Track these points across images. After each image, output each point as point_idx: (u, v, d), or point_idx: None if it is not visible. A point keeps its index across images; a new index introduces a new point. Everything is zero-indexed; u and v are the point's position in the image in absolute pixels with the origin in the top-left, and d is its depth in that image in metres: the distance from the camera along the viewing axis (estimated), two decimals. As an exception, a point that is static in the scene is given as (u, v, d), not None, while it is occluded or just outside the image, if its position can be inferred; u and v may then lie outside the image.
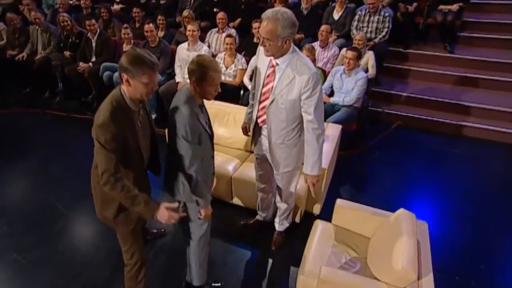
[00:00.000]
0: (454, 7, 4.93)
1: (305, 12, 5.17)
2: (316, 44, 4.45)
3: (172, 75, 4.59)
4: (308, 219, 2.92)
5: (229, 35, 4.26)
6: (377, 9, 4.72)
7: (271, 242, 2.78)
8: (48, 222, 3.01)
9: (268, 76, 2.18)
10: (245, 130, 2.69)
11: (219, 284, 2.49)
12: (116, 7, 6.31)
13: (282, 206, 2.67)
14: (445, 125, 4.45)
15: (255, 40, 4.86)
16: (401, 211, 2.19)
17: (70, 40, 5.18)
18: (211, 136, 2.06)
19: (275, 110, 2.18)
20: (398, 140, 4.34)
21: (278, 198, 2.65)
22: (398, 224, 2.10)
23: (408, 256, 1.87)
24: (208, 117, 2.10)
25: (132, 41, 4.87)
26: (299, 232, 2.84)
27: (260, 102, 2.26)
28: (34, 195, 3.34)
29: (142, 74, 1.64)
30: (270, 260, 2.69)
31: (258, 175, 2.63)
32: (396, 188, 3.47)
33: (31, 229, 2.93)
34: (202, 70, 1.84)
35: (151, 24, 4.42)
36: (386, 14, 4.71)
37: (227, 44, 4.21)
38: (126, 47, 4.89)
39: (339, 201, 2.46)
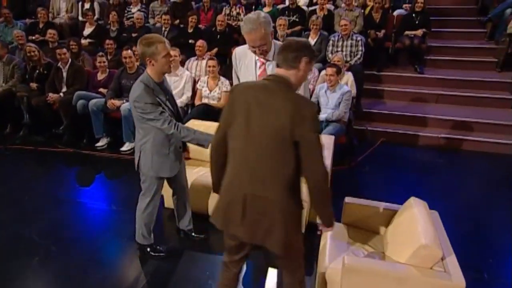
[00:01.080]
0: (419, 32, 5.62)
1: (280, 39, 5.61)
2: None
3: (152, 101, 4.66)
4: (312, 228, 2.97)
5: (212, 59, 4.51)
6: (349, 34, 5.25)
7: None
8: (24, 254, 2.81)
9: (259, 76, 2.32)
10: None
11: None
12: (84, 41, 6.45)
13: None
14: (425, 138, 4.85)
15: (234, 66, 5.15)
16: (412, 199, 2.34)
17: (37, 71, 5.16)
18: (173, 112, 2.45)
19: None
20: (385, 155, 4.63)
21: None
22: (411, 210, 2.24)
23: (430, 235, 1.99)
24: (172, 97, 2.53)
25: (108, 70, 4.97)
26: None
27: None
28: (6, 228, 3.13)
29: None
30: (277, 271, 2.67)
31: None
32: (391, 199, 3.65)
33: (6, 263, 2.71)
34: (151, 46, 2.22)
35: (129, 51, 4.57)
36: (359, 38, 5.24)
37: (209, 67, 4.44)
38: (101, 76, 4.97)
39: (347, 199, 2.57)
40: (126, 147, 4.51)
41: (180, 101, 4.56)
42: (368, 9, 6.09)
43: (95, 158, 4.48)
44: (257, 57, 2.32)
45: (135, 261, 2.76)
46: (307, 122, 1.57)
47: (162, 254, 2.77)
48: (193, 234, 2.96)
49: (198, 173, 3.29)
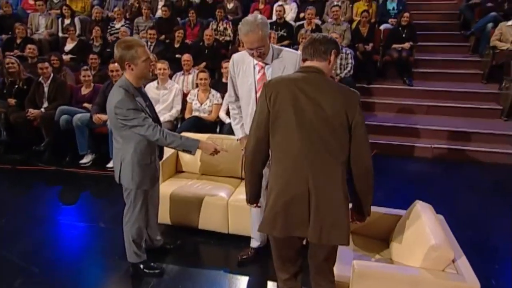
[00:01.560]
0: (406, 45, 5.85)
1: (270, 53, 5.72)
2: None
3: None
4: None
5: (203, 71, 4.54)
6: (339, 47, 5.41)
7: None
8: (6, 277, 2.66)
9: (259, 80, 2.37)
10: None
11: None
12: (66, 57, 6.39)
13: None
14: (418, 149, 4.96)
15: (224, 80, 5.20)
16: (417, 202, 2.36)
17: (16, 86, 5.06)
18: (154, 119, 2.37)
19: None
20: (379, 167, 4.60)
21: None
22: (417, 213, 2.26)
23: (439, 236, 2.00)
24: (151, 103, 2.49)
25: (92, 84, 4.93)
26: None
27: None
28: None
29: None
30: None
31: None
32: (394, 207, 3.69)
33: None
34: (130, 50, 2.19)
35: (116, 64, 4.55)
36: (348, 52, 5.41)
37: (201, 79, 4.46)
38: (85, 91, 4.91)
39: (349, 205, 2.57)
40: (112, 163, 4.40)
41: (169, 114, 4.54)
42: (355, 23, 6.32)
43: (79, 175, 4.36)
44: (255, 62, 2.36)
45: (128, 280, 2.65)
46: (357, 108, 1.68)
47: (157, 271, 2.67)
48: (167, 246, 2.92)
49: (185, 185, 3.23)
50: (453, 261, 1.99)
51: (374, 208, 2.54)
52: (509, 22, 5.73)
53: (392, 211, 2.52)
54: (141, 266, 2.66)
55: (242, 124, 2.61)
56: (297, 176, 1.67)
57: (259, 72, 2.38)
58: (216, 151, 2.46)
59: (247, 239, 2.90)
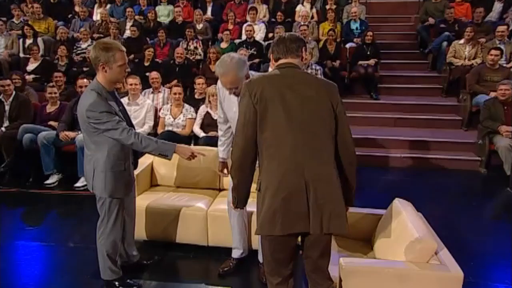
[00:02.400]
0: (371, 61, 6.15)
1: (242, 70, 5.81)
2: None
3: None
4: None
5: (177, 85, 4.51)
6: (308, 64, 5.60)
7: (259, 275, 2.67)
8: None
9: None
10: (223, 168, 2.72)
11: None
12: (28, 77, 6.16)
13: None
14: (389, 159, 5.13)
15: (196, 96, 5.20)
16: (396, 200, 2.42)
17: (-26, 106, 4.78)
18: (128, 124, 2.28)
19: None
20: (359, 178, 4.79)
21: None
22: (398, 210, 2.31)
23: (422, 229, 2.05)
24: (124, 108, 2.42)
25: (59, 102, 4.75)
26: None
27: None
28: None
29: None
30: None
31: None
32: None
33: None
34: (108, 52, 2.13)
35: (85, 80, 4.44)
36: (317, 68, 5.59)
37: (175, 93, 4.43)
38: (50, 108, 4.72)
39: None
40: (81, 182, 4.20)
41: (142, 130, 4.44)
42: (322, 42, 6.59)
43: (44, 196, 4.11)
44: None
45: (102, 299, 2.48)
46: (338, 96, 1.79)
47: (134, 287, 2.53)
48: (144, 261, 2.78)
49: (161, 197, 3.13)
50: (436, 253, 2.04)
51: (355, 209, 2.57)
52: (461, 40, 6.20)
53: (373, 211, 2.57)
54: (116, 283, 2.50)
55: (227, 146, 2.63)
56: (293, 169, 1.67)
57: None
58: (193, 155, 2.36)
59: (228, 250, 2.82)
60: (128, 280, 2.55)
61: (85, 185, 4.18)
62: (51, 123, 4.59)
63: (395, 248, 2.11)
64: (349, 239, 2.54)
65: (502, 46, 5.77)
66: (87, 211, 3.87)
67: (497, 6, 7.26)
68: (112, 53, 2.14)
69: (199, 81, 5.00)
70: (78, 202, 3.98)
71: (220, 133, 2.67)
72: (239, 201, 1.90)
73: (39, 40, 7.07)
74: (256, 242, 2.84)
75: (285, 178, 1.67)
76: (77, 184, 4.22)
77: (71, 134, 4.25)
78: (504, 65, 5.75)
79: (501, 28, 5.97)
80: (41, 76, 6.23)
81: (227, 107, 2.48)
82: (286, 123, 1.68)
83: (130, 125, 2.40)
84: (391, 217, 2.32)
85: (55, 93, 4.65)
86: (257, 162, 1.82)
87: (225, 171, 2.71)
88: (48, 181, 4.30)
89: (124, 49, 2.25)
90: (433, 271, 1.91)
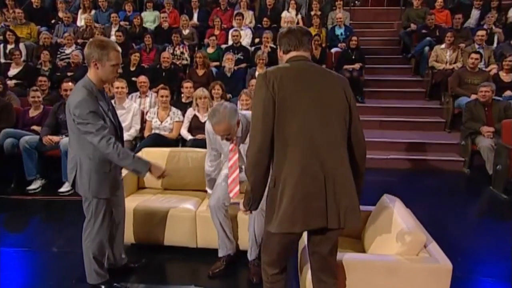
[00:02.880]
0: (356, 65, 6.25)
1: (228, 74, 5.83)
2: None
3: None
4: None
5: (164, 88, 4.48)
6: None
7: (249, 275, 2.66)
8: None
9: (230, 150, 2.54)
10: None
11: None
12: (10, 82, 6.03)
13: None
14: (376, 160, 5.18)
15: (183, 100, 5.17)
16: (385, 196, 2.45)
17: (-47, 111, 4.64)
18: (115, 126, 2.28)
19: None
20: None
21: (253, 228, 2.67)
22: (387, 206, 2.33)
23: (411, 223, 2.07)
24: (113, 108, 2.37)
25: (42, 106, 4.66)
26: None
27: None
28: None
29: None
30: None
31: None
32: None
33: None
34: (103, 50, 2.11)
35: (70, 83, 4.37)
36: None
37: (162, 96, 4.39)
38: (34, 113, 4.62)
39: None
40: (66, 187, 4.11)
41: (128, 134, 4.37)
42: (308, 47, 6.66)
43: (27, 202, 3.99)
44: None
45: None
46: (351, 90, 1.77)
47: None
48: (131, 264, 2.72)
49: (148, 199, 3.09)
50: (425, 246, 2.06)
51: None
52: (442, 45, 6.37)
53: (362, 208, 2.55)
54: (103, 287, 2.43)
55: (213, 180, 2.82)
56: (314, 161, 1.63)
57: (230, 143, 2.52)
58: (163, 175, 2.35)
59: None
60: (115, 284, 2.48)
61: (70, 189, 4.13)
62: (34, 127, 4.48)
63: (385, 243, 2.12)
64: (340, 237, 2.53)
65: (481, 51, 5.95)
66: (72, 215, 3.77)
67: (475, 13, 7.51)
68: (106, 51, 2.12)
69: (187, 85, 4.98)
70: (62, 207, 3.88)
71: (209, 169, 2.83)
72: (255, 201, 1.79)
73: (21, 45, 6.94)
74: (243, 243, 2.83)
75: (306, 170, 1.62)
76: (62, 189, 4.12)
77: (54, 138, 4.15)
78: (484, 68, 5.92)
79: (480, 32, 6.16)
80: (23, 81, 6.11)
81: (220, 146, 2.65)
82: (305, 115, 1.64)
83: (119, 125, 2.37)
84: (380, 213, 2.33)
85: (38, 97, 4.55)
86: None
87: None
88: (30, 187, 4.19)
89: (120, 49, 2.23)
90: (423, 264, 1.93)
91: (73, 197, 4.05)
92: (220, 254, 2.75)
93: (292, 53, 1.78)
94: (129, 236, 2.94)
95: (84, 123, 2.09)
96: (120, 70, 2.49)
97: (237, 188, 2.55)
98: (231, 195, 2.59)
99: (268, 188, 1.74)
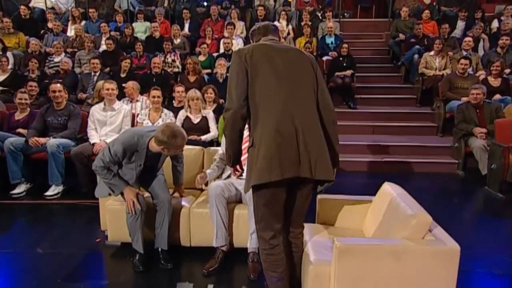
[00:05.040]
0: (348, 72, 6.30)
1: (220, 80, 5.80)
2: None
3: (84, 139, 4.29)
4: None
5: (156, 89, 4.41)
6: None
7: (248, 271, 2.54)
8: None
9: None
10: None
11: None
12: (-4, 89, 5.89)
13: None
14: (370, 164, 5.17)
15: (175, 104, 5.10)
16: (386, 183, 2.39)
17: None
18: (137, 175, 2.61)
19: None
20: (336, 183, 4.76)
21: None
22: (389, 192, 2.28)
23: (415, 205, 2.01)
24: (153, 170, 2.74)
25: (29, 108, 4.53)
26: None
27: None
28: None
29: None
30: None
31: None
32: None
33: None
34: (165, 143, 2.42)
35: (58, 84, 4.28)
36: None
37: (153, 97, 4.32)
38: (20, 115, 4.48)
39: (319, 196, 2.52)
40: (52, 191, 3.95)
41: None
42: (299, 55, 6.71)
43: (10, 206, 3.80)
44: None
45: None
46: (316, 63, 2.01)
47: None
48: (162, 262, 2.66)
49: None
50: (430, 230, 1.99)
51: (344, 197, 2.55)
52: (431, 52, 6.50)
53: (363, 198, 2.52)
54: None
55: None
56: (285, 118, 1.81)
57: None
58: (133, 201, 2.54)
59: (212, 249, 2.68)
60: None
61: (57, 193, 3.97)
62: (20, 130, 4.33)
63: (390, 228, 2.05)
64: (340, 228, 2.46)
65: (469, 57, 6.07)
66: (58, 218, 3.64)
67: (460, 24, 7.73)
68: (168, 146, 2.45)
69: (179, 89, 4.92)
70: (48, 210, 3.72)
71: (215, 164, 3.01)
72: (234, 156, 1.97)
73: (9, 53, 6.82)
74: (240, 239, 2.73)
75: (279, 127, 1.79)
76: (48, 193, 3.95)
77: (41, 140, 4.02)
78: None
79: (467, 39, 6.33)
80: (10, 88, 5.96)
81: None
82: (276, 79, 1.85)
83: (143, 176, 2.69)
84: (382, 200, 2.27)
85: (25, 99, 4.43)
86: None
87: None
88: (15, 191, 4.00)
89: (181, 146, 2.53)
90: (429, 246, 1.85)
91: (60, 201, 3.91)
92: (217, 244, 2.64)
93: (263, 39, 2.04)
94: (120, 235, 2.80)
95: (108, 148, 2.53)
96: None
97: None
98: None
99: (248, 150, 1.90)
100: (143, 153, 2.54)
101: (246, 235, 2.66)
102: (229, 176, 2.96)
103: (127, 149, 2.50)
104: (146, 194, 2.76)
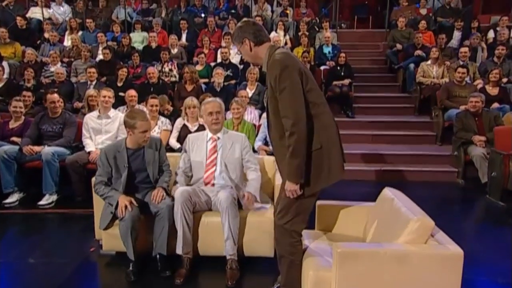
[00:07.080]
0: (345, 81, 6.33)
1: (218, 89, 5.82)
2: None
3: (80, 147, 4.26)
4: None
5: (154, 97, 4.41)
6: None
7: (226, 278, 2.49)
8: None
9: (210, 150, 2.89)
10: None
11: None
12: (-10, 98, 5.87)
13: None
14: (369, 172, 5.17)
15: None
16: (386, 188, 2.37)
17: None
18: (126, 178, 2.70)
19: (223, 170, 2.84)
20: (333, 190, 4.73)
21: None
22: (389, 198, 2.25)
23: (417, 210, 1.99)
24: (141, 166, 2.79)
25: (23, 117, 4.51)
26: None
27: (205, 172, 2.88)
28: None
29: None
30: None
31: None
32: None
33: None
34: (131, 120, 2.61)
35: (55, 94, 4.27)
36: (294, 86, 5.68)
37: (151, 105, 4.31)
38: (14, 124, 4.45)
39: (319, 202, 2.50)
40: (46, 200, 3.90)
41: (114, 144, 4.24)
42: (296, 64, 6.75)
43: (2, 216, 3.74)
44: (208, 137, 2.92)
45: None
46: None
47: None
48: (159, 269, 2.60)
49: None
50: (432, 235, 1.96)
51: (344, 203, 2.52)
52: (428, 61, 6.56)
53: (362, 204, 2.49)
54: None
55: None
56: (336, 129, 2.05)
57: (211, 143, 2.91)
58: (125, 205, 2.56)
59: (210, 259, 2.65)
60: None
61: (51, 202, 3.92)
62: (14, 139, 4.29)
63: (392, 233, 2.01)
64: (340, 235, 2.43)
65: (467, 66, 6.12)
66: (51, 228, 3.58)
67: (457, 35, 7.82)
68: (135, 120, 2.63)
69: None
70: (41, 220, 3.66)
71: (180, 179, 2.91)
72: (302, 173, 1.94)
73: (4, 63, 6.83)
74: (211, 247, 2.71)
75: (335, 140, 2.00)
76: (42, 202, 3.90)
77: (35, 148, 3.99)
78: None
79: (463, 49, 6.38)
80: (5, 97, 5.94)
81: (195, 153, 2.89)
82: (316, 86, 2.03)
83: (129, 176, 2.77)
84: (383, 205, 2.25)
85: (20, 107, 4.41)
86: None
87: None
88: (7, 200, 3.95)
89: (148, 119, 2.73)
90: (433, 250, 1.83)
91: (54, 210, 3.86)
92: (183, 251, 2.60)
93: (267, 43, 2.03)
94: (112, 244, 2.75)
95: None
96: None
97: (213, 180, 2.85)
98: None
99: (312, 154, 1.96)
100: (124, 153, 2.71)
101: (217, 243, 2.64)
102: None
103: (107, 152, 2.70)
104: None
